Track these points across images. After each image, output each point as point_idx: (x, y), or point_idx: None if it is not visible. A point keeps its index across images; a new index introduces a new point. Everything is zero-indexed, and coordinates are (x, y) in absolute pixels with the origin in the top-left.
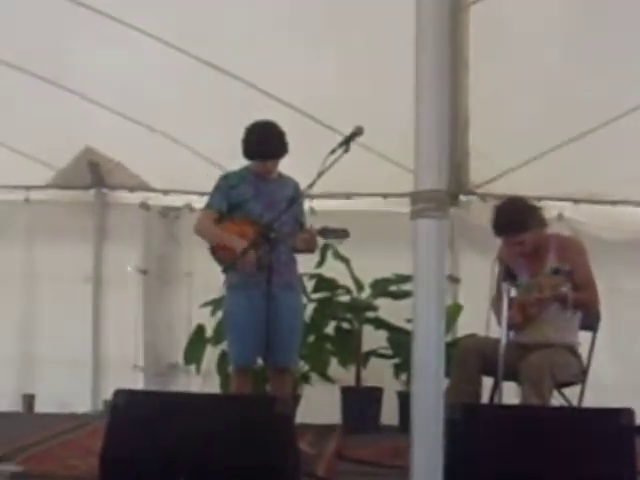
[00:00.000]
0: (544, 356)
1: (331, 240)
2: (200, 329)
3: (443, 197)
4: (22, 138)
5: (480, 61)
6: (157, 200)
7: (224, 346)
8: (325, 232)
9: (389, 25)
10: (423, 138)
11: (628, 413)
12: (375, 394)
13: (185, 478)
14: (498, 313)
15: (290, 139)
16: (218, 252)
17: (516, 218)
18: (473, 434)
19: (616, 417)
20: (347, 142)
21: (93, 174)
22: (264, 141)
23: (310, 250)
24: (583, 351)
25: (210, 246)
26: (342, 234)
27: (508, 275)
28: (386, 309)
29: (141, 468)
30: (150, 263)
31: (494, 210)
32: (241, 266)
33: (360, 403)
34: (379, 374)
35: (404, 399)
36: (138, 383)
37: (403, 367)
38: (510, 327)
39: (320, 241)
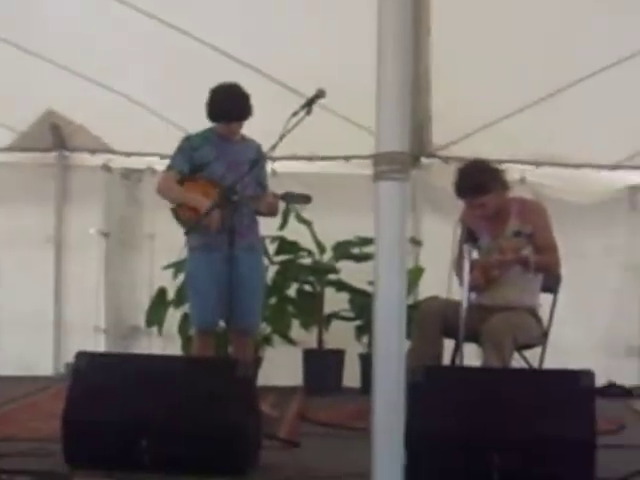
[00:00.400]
0: (505, 318)
1: (294, 205)
2: (162, 292)
3: (405, 159)
4: None
5: (441, 24)
6: (119, 162)
7: (186, 309)
8: (288, 197)
9: None
10: (385, 100)
11: (588, 375)
12: (337, 356)
13: (147, 440)
14: (460, 275)
15: (253, 102)
16: (181, 213)
17: (478, 180)
18: (434, 396)
19: (576, 378)
20: (309, 104)
21: (55, 136)
22: (229, 103)
23: (272, 214)
24: (544, 314)
25: (172, 207)
26: (305, 199)
27: (470, 237)
28: (348, 272)
29: (103, 430)
30: (112, 225)
31: (456, 172)
32: (206, 225)
33: (322, 365)
34: (341, 336)
35: (366, 361)
36: (100, 346)
37: (365, 329)
38: (472, 289)
39: (282, 204)
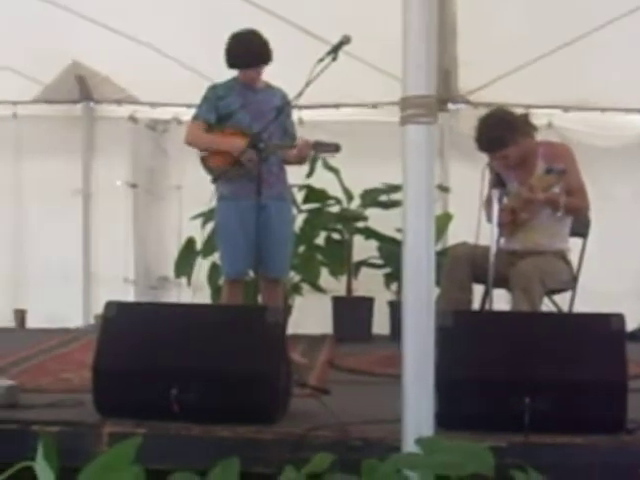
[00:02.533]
0: (534, 263)
1: (323, 154)
2: (190, 242)
3: (432, 102)
4: (8, 54)
5: None
6: (145, 113)
7: (215, 258)
8: (317, 146)
9: None
10: (411, 44)
11: (619, 318)
12: (366, 304)
13: (177, 389)
14: (489, 219)
15: (277, 49)
16: (209, 161)
17: (496, 134)
18: (464, 341)
19: (607, 322)
20: (335, 51)
21: (80, 88)
22: (245, 49)
23: (301, 162)
24: (573, 258)
25: (201, 156)
26: (334, 148)
27: (499, 182)
28: (376, 219)
29: (134, 379)
30: (139, 177)
31: (476, 125)
32: (236, 171)
33: (351, 313)
34: (370, 284)
35: (395, 309)
36: (129, 297)
37: (394, 277)
38: (500, 233)
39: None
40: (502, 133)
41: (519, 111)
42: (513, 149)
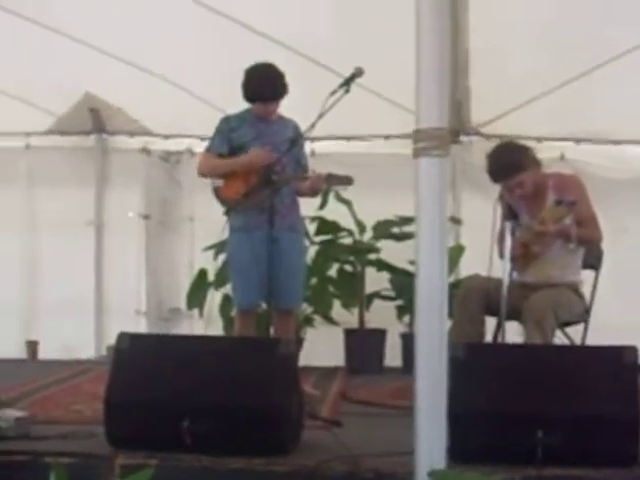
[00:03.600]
0: (547, 295)
1: (335, 187)
2: (202, 273)
3: (445, 135)
4: (22, 85)
5: (480, 1)
6: (158, 145)
7: (227, 290)
8: (330, 179)
9: None
10: (424, 76)
11: (631, 351)
12: (378, 336)
13: (189, 421)
14: (501, 252)
15: (290, 82)
16: (223, 193)
17: (509, 160)
18: (477, 374)
19: (619, 355)
20: (347, 83)
21: (93, 120)
22: (265, 82)
23: (313, 195)
24: (586, 290)
25: (214, 187)
26: (346, 181)
27: (510, 214)
28: (388, 251)
29: (146, 411)
30: (152, 208)
31: (487, 158)
32: (247, 203)
33: (363, 345)
34: (382, 316)
35: (407, 341)
36: (141, 328)
37: (406, 309)
38: (513, 265)
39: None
40: (516, 158)
41: (531, 144)
42: (529, 174)
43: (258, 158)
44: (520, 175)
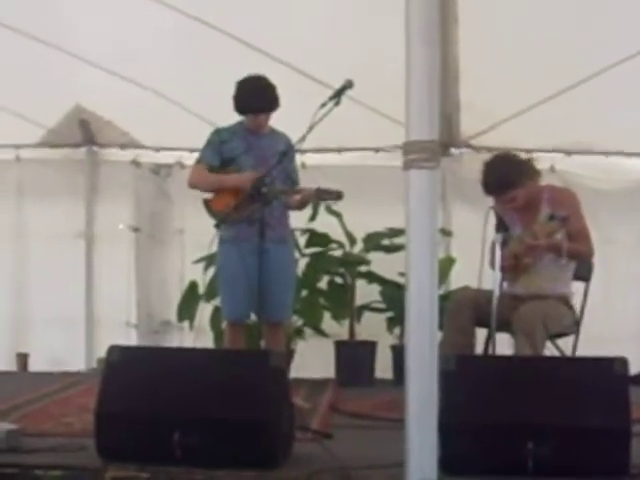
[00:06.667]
0: (537, 307)
1: (325, 201)
2: (193, 286)
3: (435, 147)
4: (12, 97)
5: (469, 13)
6: (148, 157)
7: (217, 302)
8: (319, 193)
9: None
10: (413, 89)
11: (622, 362)
12: (369, 348)
13: (180, 433)
14: (492, 264)
15: (281, 94)
16: (213, 204)
17: (504, 176)
18: (467, 385)
19: (610, 366)
20: (337, 95)
21: (83, 132)
22: (256, 95)
23: (302, 208)
24: (576, 302)
25: (204, 199)
26: (336, 196)
27: (501, 226)
28: (379, 263)
29: (136, 424)
30: (142, 220)
31: (482, 170)
32: (237, 216)
33: (354, 357)
34: (372, 328)
35: (398, 353)
36: (131, 341)
37: (396, 321)
38: (503, 276)
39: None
40: (510, 175)
41: (522, 155)
42: (521, 191)
43: (247, 183)
44: (512, 192)
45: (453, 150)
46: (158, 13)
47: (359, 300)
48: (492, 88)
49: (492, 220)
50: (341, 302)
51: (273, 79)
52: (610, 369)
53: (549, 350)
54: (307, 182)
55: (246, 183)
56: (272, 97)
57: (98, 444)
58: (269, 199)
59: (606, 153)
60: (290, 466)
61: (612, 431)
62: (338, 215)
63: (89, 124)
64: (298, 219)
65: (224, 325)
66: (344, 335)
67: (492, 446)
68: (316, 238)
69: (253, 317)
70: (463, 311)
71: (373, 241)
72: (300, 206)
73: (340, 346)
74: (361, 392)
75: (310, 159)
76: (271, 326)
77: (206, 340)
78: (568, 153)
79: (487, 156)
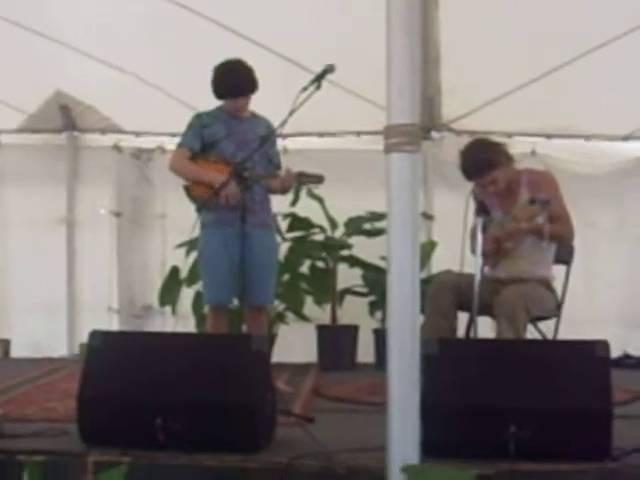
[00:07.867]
0: (518, 291)
1: (306, 185)
2: (175, 270)
3: (416, 131)
4: None
5: None
6: (129, 142)
7: (199, 287)
8: (301, 177)
9: None
10: (394, 72)
11: (603, 345)
12: (351, 332)
13: (162, 418)
14: (473, 248)
15: (262, 79)
16: (193, 190)
17: (482, 157)
18: (449, 369)
19: (591, 349)
20: (318, 79)
21: (64, 117)
22: (233, 78)
23: (285, 192)
24: (557, 285)
25: (185, 185)
26: (317, 180)
27: (482, 210)
28: (360, 247)
29: (118, 408)
30: (123, 205)
31: (460, 155)
32: (219, 201)
33: (336, 341)
34: (354, 312)
35: (380, 336)
36: (113, 326)
37: (378, 305)
38: (484, 261)
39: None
40: (489, 156)
41: (502, 139)
42: (502, 171)
43: (226, 198)
44: (493, 172)
45: (434, 134)
46: None
47: (341, 284)
48: (473, 72)
49: (472, 205)
50: (323, 286)
51: (254, 63)
52: (591, 352)
53: (531, 333)
54: (289, 166)
55: (217, 183)
56: (249, 80)
57: (81, 429)
58: (250, 183)
59: (587, 137)
60: (272, 450)
61: (594, 414)
62: (320, 199)
63: (70, 109)
64: (280, 204)
65: (206, 309)
66: (326, 319)
67: (474, 429)
68: (298, 222)
69: (235, 301)
70: (445, 295)
71: (354, 225)
72: (282, 190)
73: (322, 330)
74: (343, 376)
75: (291, 143)
76: (253, 310)
77: (188, 325)
78: (549, 137)
79: (468, 140)
